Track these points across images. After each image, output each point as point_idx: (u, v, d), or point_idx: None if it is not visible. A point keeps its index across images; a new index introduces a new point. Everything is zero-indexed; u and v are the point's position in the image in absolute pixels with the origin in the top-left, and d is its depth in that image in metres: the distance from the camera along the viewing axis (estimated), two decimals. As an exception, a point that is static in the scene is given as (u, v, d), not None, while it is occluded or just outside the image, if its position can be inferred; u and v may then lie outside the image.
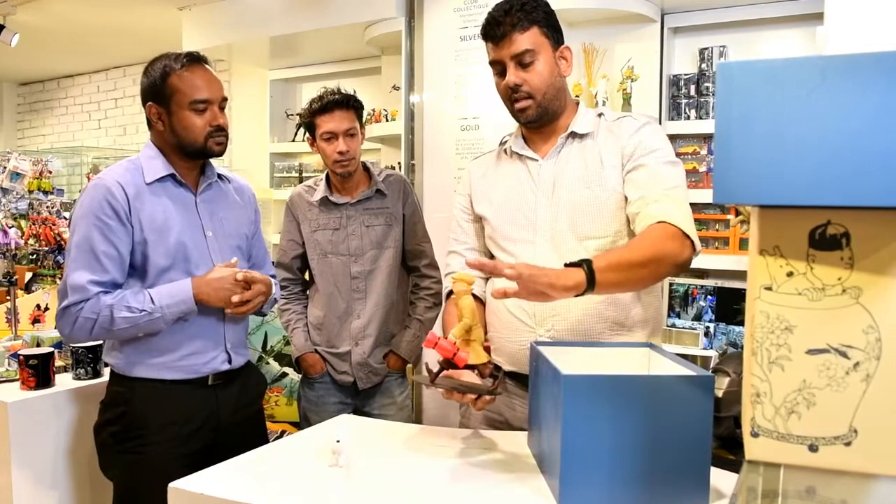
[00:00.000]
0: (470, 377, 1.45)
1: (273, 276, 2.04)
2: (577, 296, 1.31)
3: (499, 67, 1.56)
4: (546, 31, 1.54)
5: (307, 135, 2.35)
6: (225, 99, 1.76)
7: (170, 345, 1.70)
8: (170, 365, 1.70)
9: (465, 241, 1.74)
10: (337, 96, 2.25)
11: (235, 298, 1.70)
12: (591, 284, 1.29)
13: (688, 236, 1.41)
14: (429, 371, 1.40)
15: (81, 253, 1.63)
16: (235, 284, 1.71)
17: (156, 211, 1.69)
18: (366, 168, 2.38)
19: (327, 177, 2.36)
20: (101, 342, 2.20)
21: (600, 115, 1.62)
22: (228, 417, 1.78)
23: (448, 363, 1.37)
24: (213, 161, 1.84)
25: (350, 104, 2.26)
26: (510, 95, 1.55)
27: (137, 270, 1.69)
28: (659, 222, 1.41)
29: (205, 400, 1.75)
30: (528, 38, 1.51)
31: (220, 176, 1.86)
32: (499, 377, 1.44)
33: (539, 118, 1.57)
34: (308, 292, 2.44)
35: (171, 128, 1.71)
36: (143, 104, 1.75)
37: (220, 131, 1.73)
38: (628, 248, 1.42)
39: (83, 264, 1.63)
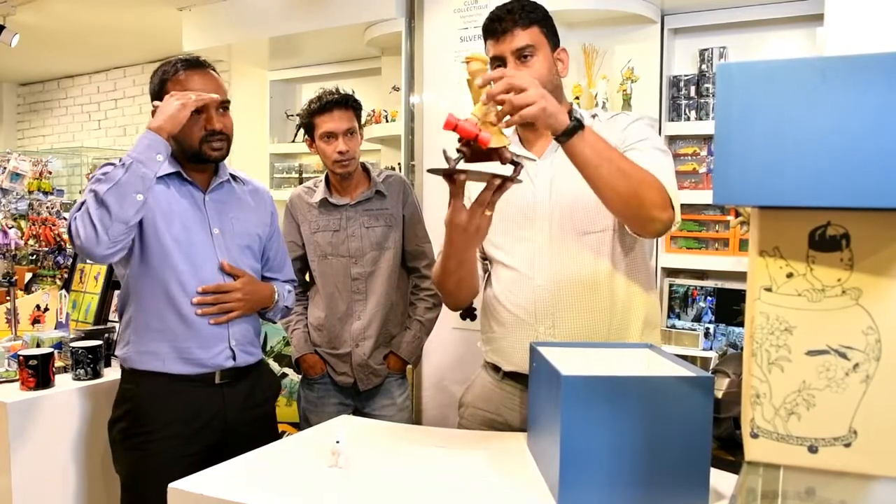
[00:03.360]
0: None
1: (293, 281, 2.04)
2: (556, 136, 1.31)
3: (498, 63, 1.58)
4: (545, 32, 1.58)
5: (305, 136, 2.35)
6: (225, 101, 1.75)
7: (174, 336, 1.71)
8: (174, 356, 1.71)
9: None
10: (336, 96, 2.25)
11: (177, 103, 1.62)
12: (572, 132, 1.30)
13: (670, 202, 1.41)
14: (446, 158, 1.30)
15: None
16: (181, 99, 1.63)
17: (161, 197, 1.70)
18: (365, 169, 2.38)
19: (327, 178, 2.36)
20: (100, 342, 2.20)
21: (594, 115, 1.64)
22: (236, 417, 1.78)
23: (468, 146, 1.28)
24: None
25: (349, 104, 2.26)
26: None
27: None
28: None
29: (211, 398, 1.75)
30: (528, 35, 1.54)
31: (235, 178, 1.87)
32: (519, 164, 1.34)
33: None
34: (308, 293, 2.45)
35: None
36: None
37: (216, 135, 1.72)
38: (623, 157, 1.40)
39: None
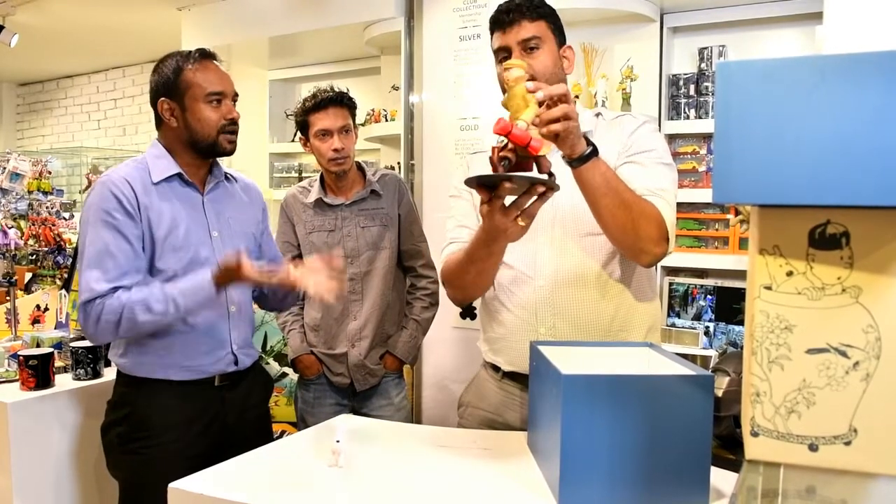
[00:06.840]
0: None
1: None
2: (570, 160, 1.33)
3: (503, 55, 1.57)
4: (552, 28, 1.58)
5: (300, 135, 2.35)
6: (236, 94, 1.77)
7: (176, 346, 1.69)
8: (176, 365, 1.70)
9: (472, 226, 1.65)
10: (330, 93, 2.25)
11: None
12: (587, 158, 1.33)
13: (666, 235, 1.44)
14: (493, 163, 1.22)
15: (95, 250, 1.62)
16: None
17: (163, 210, 1.69)
18: (360, 168, 2.38)
19: (321, 178, 2.36)
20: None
21: (598, 114, 1.63)
22: (235, 419, 1.77)
23: (513, 152, 1.21)
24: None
25: (344, 101, 2.27)
26: None
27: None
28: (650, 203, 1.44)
29: (210, 401, 1.74)
30: (535, 27, 1.55)
31: (227, 176, 1.86)
32: (553, 173, 1.28)
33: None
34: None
35: (185, 122, 1.71)
36: (153, 102, 1.74)
37: (234, 125, 1.73)
38: (628, 188, 1.41)
39: (97, 262, 1.62)
